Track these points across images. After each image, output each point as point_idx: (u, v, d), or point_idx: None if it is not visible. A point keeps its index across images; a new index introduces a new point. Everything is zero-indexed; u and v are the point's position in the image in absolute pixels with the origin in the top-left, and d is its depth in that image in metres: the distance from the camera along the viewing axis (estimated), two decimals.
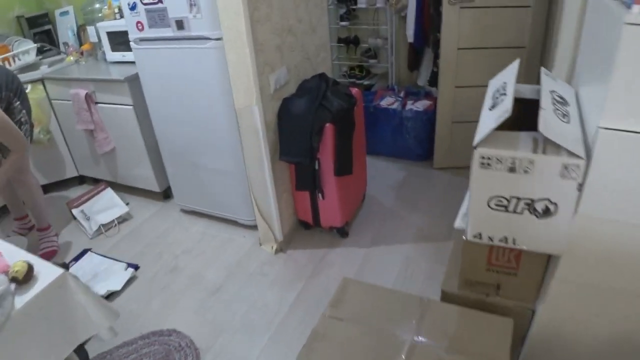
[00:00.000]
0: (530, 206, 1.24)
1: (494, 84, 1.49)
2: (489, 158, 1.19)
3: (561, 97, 1.33)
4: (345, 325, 1.50)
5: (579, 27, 1.51)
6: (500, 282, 1.60)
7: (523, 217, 1.27)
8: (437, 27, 2.59)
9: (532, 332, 1.53)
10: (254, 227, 2.51)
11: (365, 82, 3.52)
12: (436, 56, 2.76)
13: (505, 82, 1.37)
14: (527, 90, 1.46)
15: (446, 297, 1.69)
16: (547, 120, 1.18)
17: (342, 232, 2.47)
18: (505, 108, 1.17)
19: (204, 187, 2.50)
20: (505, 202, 1.26)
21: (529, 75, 2.64)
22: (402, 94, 3.19)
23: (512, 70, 1.41)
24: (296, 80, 2.29)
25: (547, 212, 1.23)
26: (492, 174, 1.22)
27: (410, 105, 3.06)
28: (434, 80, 2.85)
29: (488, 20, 2.48)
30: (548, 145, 1.18)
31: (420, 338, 1.43)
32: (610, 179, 1.14)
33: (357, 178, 2.48)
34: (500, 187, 1.23)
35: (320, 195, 2.29)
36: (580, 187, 1.17)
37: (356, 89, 2.37)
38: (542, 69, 1.43)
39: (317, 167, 2.20)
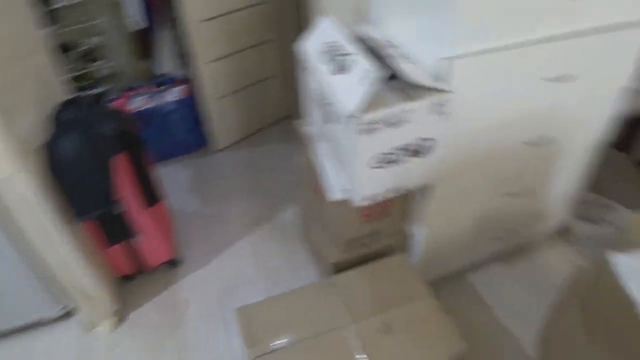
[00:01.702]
0: (412, 150, 1.26)
1: (315, 46, 1.40)
2: (368, 122, 1.13)
3: (387, 40, 1.35)
4: (282, 355, 1.32)
5: None
6: (378, 228, 1.65)
7: (406, 163, 1.28)
8: (171, 3, 2.31)
9: (420, 250, 1.67)
10: (66, 317, 1.92)
11: (97, 91, 2.97)
12: (178, 36, 2.48)
13: (335, 41, 1.30)
14: None
15: (338, 266, 1.67)
16: (402, 66, 1.18)
17: (175, 262, 2.13)
18: (366, 68, 1.11)
19: None
20: (389, 157, 1.24)
21: (282, 33, 2.65)
22: (148, 90, 2.82)
23: (332, 29, 1.34)
24: (42, 115, 1.73)
25: (428, 149, 1.27)
26: (373, 136, 1.17)
27: (165, 98, 2.73)
28: (183, 62, 2.58)
29: None
30: (415, 89, 1.19)
31: (359, 323, 1.37)
32: (469, 100, 1.24)
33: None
34: (382, 145, 1.20)
35: (137, 237, 1.89)
36: (450, 116, 1.23)
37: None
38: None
39: (123, 208, 1.78)
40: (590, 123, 1.59)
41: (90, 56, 2.92)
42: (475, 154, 1.44)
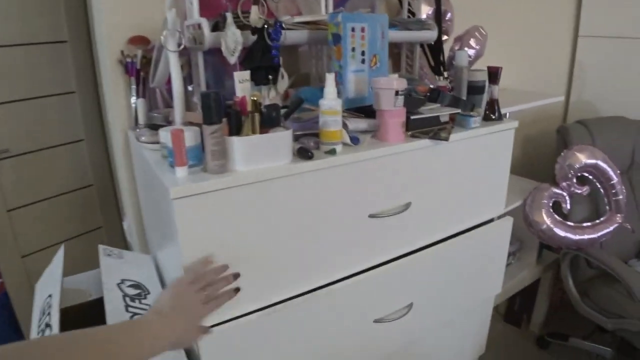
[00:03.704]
0: None
1: (41, 292, 0.97)
2: None
3: (136, 285, 0.94)
4: None
5: (131, 176, 1.18)
6: None
7: None
8: None
9: None
10: None
11: None
12: None
13: (51, 294, 0.88)
14: (83, 283, 1.01)
15: None
16: None
17: None
18: None
19: None
20: None
21: (108, 219, 2.25)
22: None
23: (55, 272, 0.93)
24: None
25: None
26: None
27: None
28: None
29: (39, 165, 1.96)
30: None
31: None
32: None
33: None
34: None
35: None
36: None
37: None
38: (101, 248, 1.02)
39: None
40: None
41: None
42: None
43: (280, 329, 0.85)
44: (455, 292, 1.14)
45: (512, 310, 2.39)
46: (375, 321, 0.98)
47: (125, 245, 1.85)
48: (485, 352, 1.54)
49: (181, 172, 0.69)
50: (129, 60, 1.05)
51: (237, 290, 0.76)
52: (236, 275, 0.76)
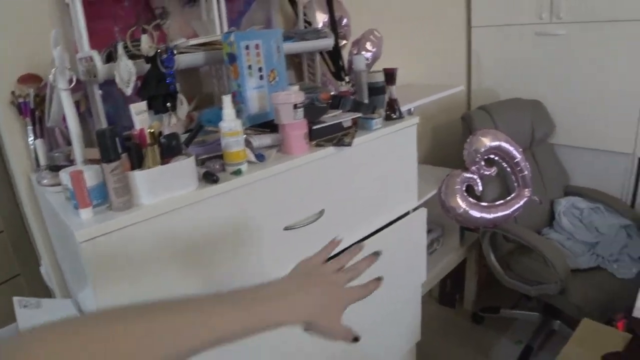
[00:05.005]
0: None
1: None
2: None
3: None
4: None
5: (40, 220, 1.13)
6: None
7: None
8: None
9: None
10: None
11: None
12: None
13: None
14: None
15: None
16: None
17: None
18: None
19: None
20: None
21: (25, 266, 2.10)
22: None
23: None
24: None
25: None
26: None
27: None
28: None
29: None
30: None
31: None
32: None
33: None
34: None
35: None
36: None
37: None
38: (16, 300, 0.96)
39: None
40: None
41: None
42: None
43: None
44: (383, 288, 1.19)
45: (445, 292, 2.50)
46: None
47: (47, 291, 1.75)
48: (424, 336, 1.61)
49: (85, 213, 0.68)
50: (21, 100, 1.01)
51: (380, 278, 0.67)
52: (378, 253, 0.67)
